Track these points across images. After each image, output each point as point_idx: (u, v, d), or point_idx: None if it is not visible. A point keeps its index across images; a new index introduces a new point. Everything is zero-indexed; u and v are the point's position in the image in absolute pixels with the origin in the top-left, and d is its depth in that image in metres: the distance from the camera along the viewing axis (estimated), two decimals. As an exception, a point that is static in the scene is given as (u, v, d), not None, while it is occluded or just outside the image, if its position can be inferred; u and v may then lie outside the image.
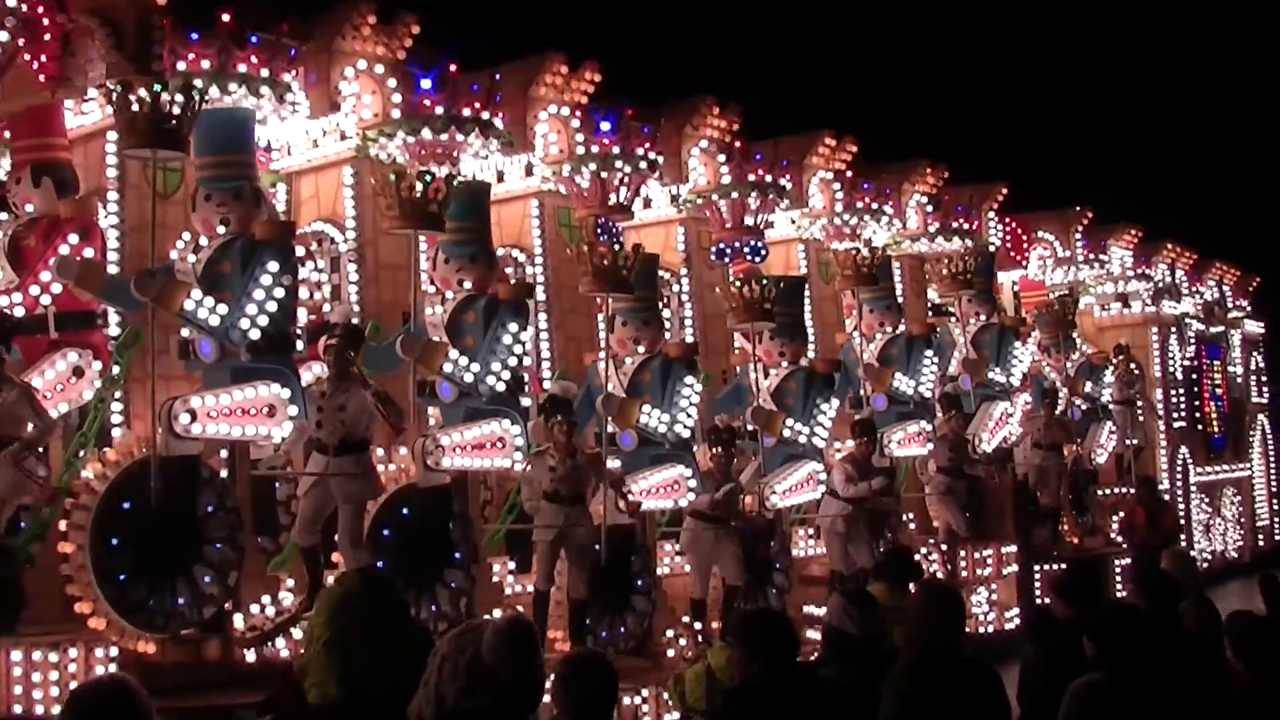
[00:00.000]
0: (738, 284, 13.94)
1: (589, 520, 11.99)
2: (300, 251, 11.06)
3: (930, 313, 18.81)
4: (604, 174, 13.23)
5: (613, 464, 12.77)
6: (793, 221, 16.60)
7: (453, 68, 12.20)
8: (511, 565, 12.63)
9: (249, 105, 10.67)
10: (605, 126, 13.50)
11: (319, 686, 4.23)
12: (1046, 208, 21.48)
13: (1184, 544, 20.90)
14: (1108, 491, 21.10)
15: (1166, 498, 20.64)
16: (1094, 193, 22.86)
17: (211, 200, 10.24)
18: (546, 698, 4.33)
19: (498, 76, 12.81)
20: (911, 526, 17.07)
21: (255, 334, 9.90)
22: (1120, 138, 37.22)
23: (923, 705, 5.63)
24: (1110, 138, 37.89)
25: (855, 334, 16.14)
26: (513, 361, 11.44)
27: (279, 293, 10.01)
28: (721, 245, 14.68)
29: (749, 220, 14.73)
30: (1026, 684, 6.83)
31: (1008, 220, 20.40)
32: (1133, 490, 19.75)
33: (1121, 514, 19.59)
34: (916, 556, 15.22)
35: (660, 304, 13.73)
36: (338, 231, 12.28)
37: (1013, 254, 20.49)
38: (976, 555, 17.09)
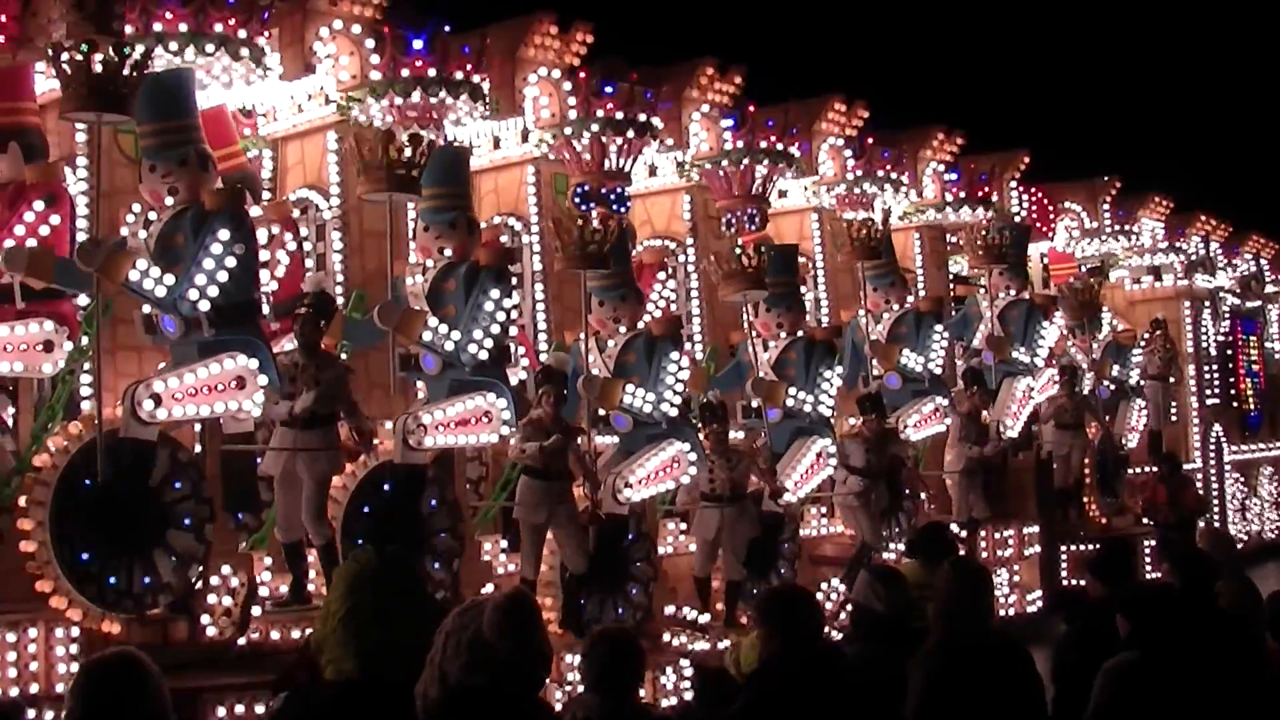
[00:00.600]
0: (738, 254, 13.47)
1: (572, 500, 11.52)
2: (259, 214, 10.78)
3: (952, 284, 18.28)
4: (603, 138, 12.75)
5: (600, 439, 12.43)
6: (805, 189, 16.05)
7: (446, 28, 11.76)
8: (504, 544, 12.20)
9: (222, 67, 10.29)
10: (609, 89, 12.92)
11: (335, 663, 4.16)
12: (1071, 177, 20.78)
13: (1212, 523, 20.22)
14: (1138, 470, 20.48)
15: (1188, 476, 19.96)
16: (1121, 162, 22.14)
17: (156, 171, 9.77)
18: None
19: (488, 41, 12.33)
20: (931, 507, 16.53)
21: (205, 305, 9.48)
22: (1149, 104, 35.44)
23: (951, 685, 5.55)
24: (1138, 104, 35.83)
25: (861, 312, 15.67)
26: (495, 329, 10.98)
27: (230, 261, 9.53)
28: (727, 215, 14.16)
29: (755, 188, 14.18)
30: (1060, 663, 6.71)
31: (1033, 190, 19.75)
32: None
33: (1144, 494, 18.96)
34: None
35: (633, 278, 12.97)
36: (322, 198, 11.86)
37: (1038, 225, 19.85)
38: (998, 536, 16.54)
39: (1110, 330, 20.81)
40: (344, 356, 11.39)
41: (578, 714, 5.43)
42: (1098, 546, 15.17)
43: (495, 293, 10.98)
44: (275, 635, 9.91)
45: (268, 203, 11.25)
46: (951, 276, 18.25)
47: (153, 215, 9.87)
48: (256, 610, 9.83)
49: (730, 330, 14.67)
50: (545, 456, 11.13)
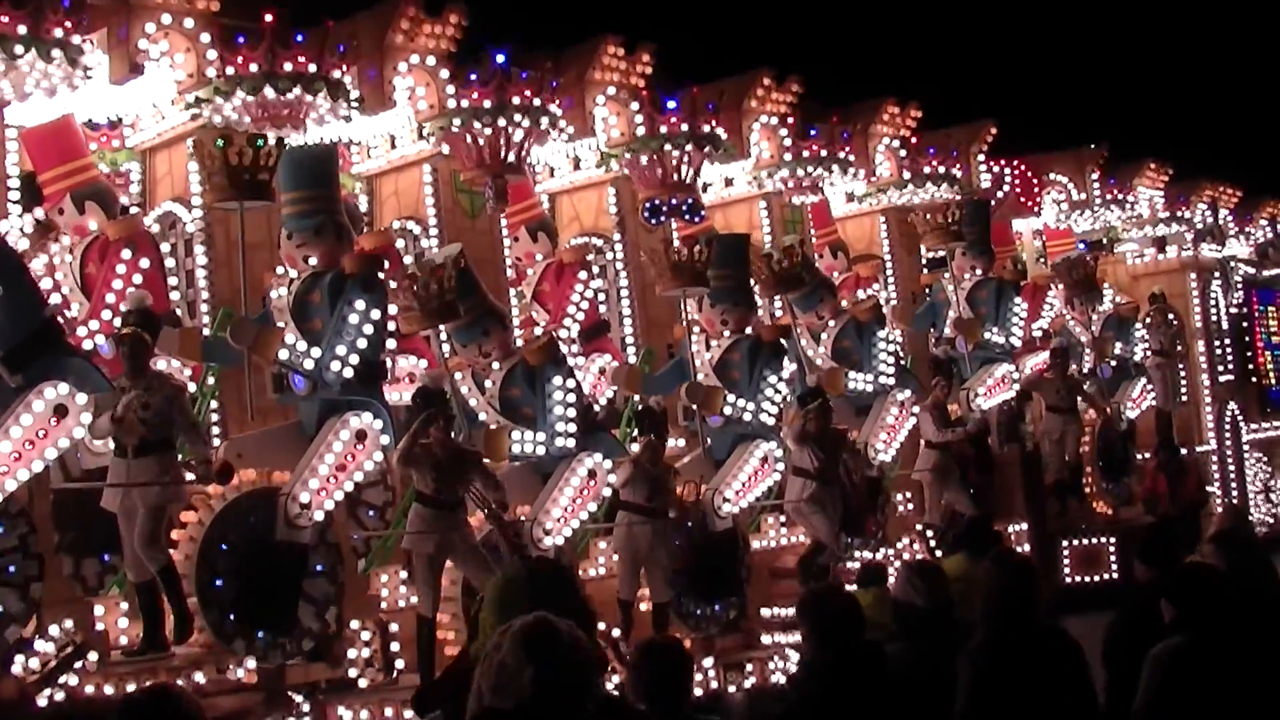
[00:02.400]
0: (675, 247, 12.53)
1: (467, 528, 10.55)
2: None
3: (925, 270, 17.16)
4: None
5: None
6: (752, 177, 14.98)
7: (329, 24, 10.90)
8: (404, 575, 11.23)
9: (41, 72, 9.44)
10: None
11: None
12: (1052, 149, 19.48)
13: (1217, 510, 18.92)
14: (1147, 455, 19.16)
15: (1189, 463, 18.70)
16: (1107, 129, 20.70)
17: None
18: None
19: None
20: (908, 508, 15.43)
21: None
22: (1132, 66, 31.70)
23: (1000, 678, 5.51)
24: (1120, 66, 31.93)
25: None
26: (362, 344, 10.03)
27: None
28: (654, 203, 13.08)
29: (684, 176, 13.11)
30: (1109, 649, 6.63)
31: (1014, 163, 18.51)
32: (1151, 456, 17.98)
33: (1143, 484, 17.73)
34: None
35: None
36: (184, 210, 10.99)
37: (1023, 199, 18.62)
38: (980, 536, 15.39)
39: (1114, 302, 19.58)
40: (211, 380, 10.54)
41: None
42: (1152, 528, 14.32)
43: (361, 304, 10.05)
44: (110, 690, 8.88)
45: (113, 221, 10.33)
46: (925, 262, 17.02)
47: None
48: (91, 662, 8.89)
49: (667, 329, 13.64)
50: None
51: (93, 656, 8.79)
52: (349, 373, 9.98)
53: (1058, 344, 17.93)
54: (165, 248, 10.88)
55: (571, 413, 11.32)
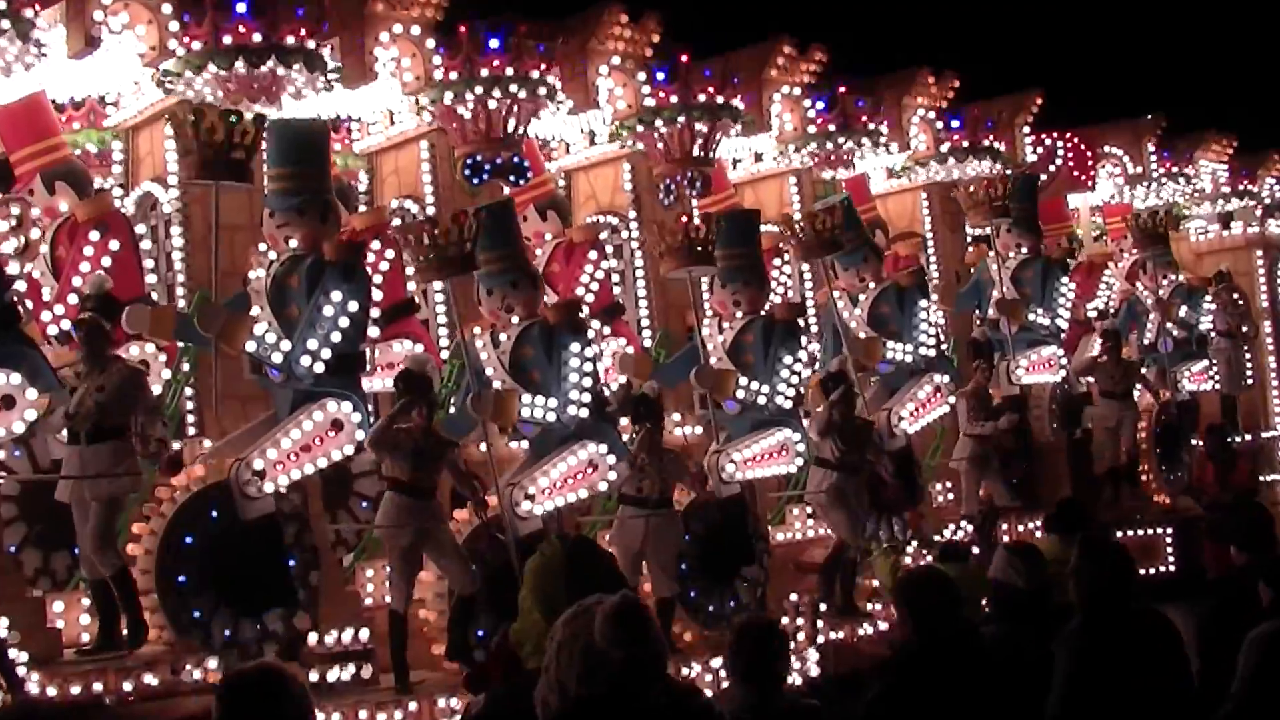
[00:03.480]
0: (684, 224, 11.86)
1: (444, 519, 10.07)
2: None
3: (970, 247, 16.36)
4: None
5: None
6: (779, 151, 14.29)
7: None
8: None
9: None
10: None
11: (539, 654, 4.22)
12: (1107, 120, 18.52)
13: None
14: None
15: (1240, 449, 17.73)
16: (1163, 100, 19.47)
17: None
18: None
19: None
20: (948, 499, 14.70)
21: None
22: (1190, 32, 29.08)
23: (1098, 661, 5.48)
24: (1176, 33, 29.14)
25: (836, 293, 14.00)
26: (337, 337, 9.50)
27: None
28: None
29: (697, 150, 12.46)
30: (1204, 634, 6.54)
31: (1067, 136, 17.64)
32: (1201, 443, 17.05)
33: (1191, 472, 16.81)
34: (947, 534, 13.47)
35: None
36: (162, 190, 10.55)
37: (1076, 173, 17.73)
38: (1021, 528, 14.61)
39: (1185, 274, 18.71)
40: (186, 366, 10.11)
41: (727, 709, 5.19)
42: (1241, 512, 13.59)
43: (338, 295, 9.50)
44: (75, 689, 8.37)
45: (84, 201, 9.94)
46: (970, 240, 16.19)
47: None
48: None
49: (686, 311, 13.00)
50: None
51: (22, 656, 8.15)
52: (319, 367, 9.46)
53: (1109, 325, 17.06)
54: (143, 229, 10.47)
55: (587, 382, 10.70)
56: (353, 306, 9.60)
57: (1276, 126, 22.44)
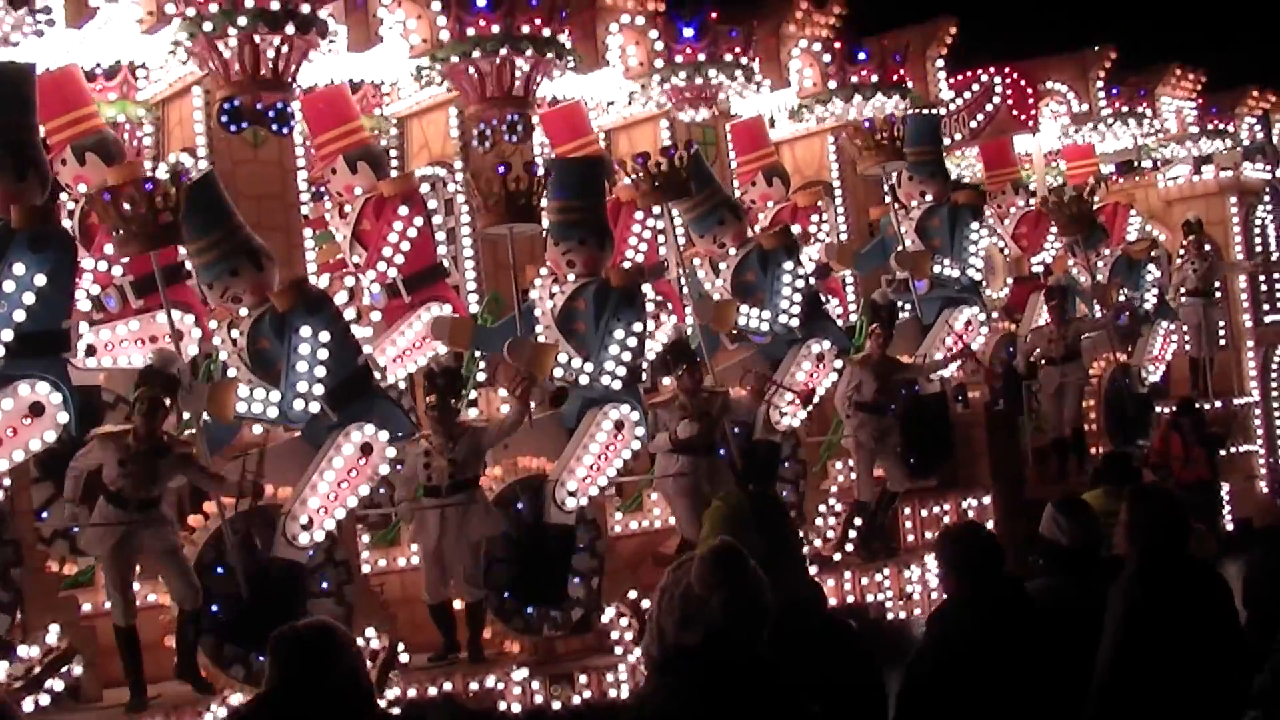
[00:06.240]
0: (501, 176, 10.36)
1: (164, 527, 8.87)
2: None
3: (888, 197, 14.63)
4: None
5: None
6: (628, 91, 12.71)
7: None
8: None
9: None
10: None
11: None
12: (1050, 53, 16.67)
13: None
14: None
15: (1212, 417, 15.95)
16: (1114, 29, 17.54)
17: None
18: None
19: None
20: (850, 478, 13.04)
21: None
22: None
23: (1149, 612, 5.45)
24: None
25: (696, 261, 12.59)
26: (20, 315, 8.31)
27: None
28: (482, 125, 10.98)
29: (517, 89, 10.91)
30: (1250, 588, 6.54)
31: (1005, 71, 15.85)
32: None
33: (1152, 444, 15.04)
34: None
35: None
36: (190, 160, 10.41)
37: (1016, 113, 15.95)
38: (925, 514, 13.04)
39: (1135, 238, 16.89)
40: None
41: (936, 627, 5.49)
42: None
43: (20, 266, 8.27)
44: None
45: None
46: (888, 188, 14.41)
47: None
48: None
49: (521, 274, 11.41)
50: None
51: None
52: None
53: (1055, 282, 15.35)
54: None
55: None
56: (40, 281, 8.32)
57: (1250, 58, 20.28)
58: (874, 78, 13.45)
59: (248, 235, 9.44)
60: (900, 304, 13.23)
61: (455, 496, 9.72)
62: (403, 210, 10.86)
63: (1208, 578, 5.72)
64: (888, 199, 13.81)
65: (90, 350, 9.80)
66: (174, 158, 10.58)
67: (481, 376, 11.64)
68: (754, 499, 4.68)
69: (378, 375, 10.25)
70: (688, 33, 12.10)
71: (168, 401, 8.77)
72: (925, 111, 14.16)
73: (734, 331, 12.19)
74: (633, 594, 10.49)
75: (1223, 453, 16.11)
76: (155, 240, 8.80)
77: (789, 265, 12.05)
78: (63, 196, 10.14)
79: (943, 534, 6.03)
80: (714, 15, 12.25)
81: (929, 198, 13.79)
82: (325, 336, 9.27)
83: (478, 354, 11.19)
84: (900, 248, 13.49)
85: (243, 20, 9.49)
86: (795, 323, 12.02)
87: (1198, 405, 15.26)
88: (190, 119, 10.45)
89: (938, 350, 13.46)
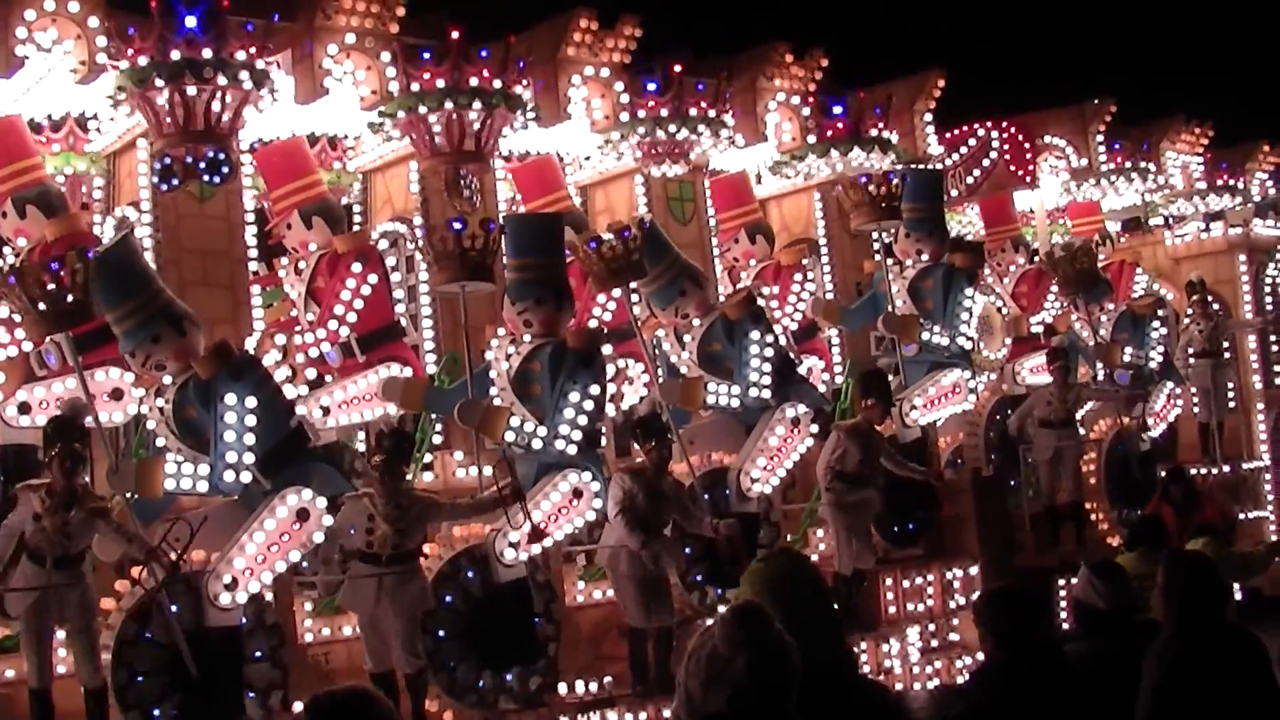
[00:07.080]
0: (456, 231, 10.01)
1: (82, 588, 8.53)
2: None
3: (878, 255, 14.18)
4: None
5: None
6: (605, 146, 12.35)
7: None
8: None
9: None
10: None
11: None
12: (1048, 106, 16.22)
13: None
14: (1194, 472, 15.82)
15: (1207, 490, 15.23)
16: (1117, 81, 17.08)
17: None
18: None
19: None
20: (832, 544, 12.53)
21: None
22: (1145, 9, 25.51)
23: (1186, 675, 5.38)
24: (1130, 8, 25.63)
25: (660, 333, 12.08)
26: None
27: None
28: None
29: (469, 144, 10.60)
30: None
31: (1002, 125, 15.42)
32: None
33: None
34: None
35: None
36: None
37: (1013, 168, 15.49)
38: (907, 585, 12.51)
39: (1148, 292, 16.39)
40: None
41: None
42: None
43: None
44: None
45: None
46: (879, 246, 13.93)
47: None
48: None
49: (480, 333, 11.03)
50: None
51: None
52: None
53: (1058, 343, 14.84)
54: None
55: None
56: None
57: (1258, 113, 19.72)
58: (849, 132, 12.98)
59: (168, 300, 9.10)
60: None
61: (393, 567, 9.32)
62: (356, 267, 10.49)
63: (1245, 642, 5.63)
64: (878, 257, 13.32)
65: (24, 408, 9.53)
66: (119, 212, 10.40)
67: (439, 440, 11.34)
68: (791, 562, 4.62)
69: (319, 418, 10.03)
70: (650, 86, 11.76)
71: (85, 453, 8.49)
72: (927, 167, 13.70)
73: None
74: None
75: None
76: (63, 321, 8.49)
77: (755, 335, 11.59)
78: (5, 250, 10.02)
79: (981, 596, 6.00)
80: (678, 68, 11.87)
81: (925, 256, 13.29)
82: (252, 402, 8.89)
83: (434, 416, 10.87)
84: (890, 308, 13.02)
85: (170, 72, 9.25)
86: (767, 394, 11.56)
87: (1189, 473, 14.61)
88: (137, 172, 10.23)
89: (917, 397, 13.02)
